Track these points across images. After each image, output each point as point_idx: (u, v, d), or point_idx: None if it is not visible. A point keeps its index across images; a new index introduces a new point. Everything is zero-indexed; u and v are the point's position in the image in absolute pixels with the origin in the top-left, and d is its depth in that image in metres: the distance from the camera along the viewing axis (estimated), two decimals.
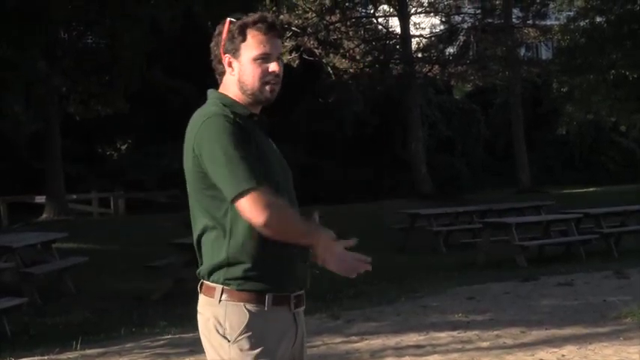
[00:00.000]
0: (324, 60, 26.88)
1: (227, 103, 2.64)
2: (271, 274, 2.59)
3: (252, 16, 2.66)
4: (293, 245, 2.56)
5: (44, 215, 19.56)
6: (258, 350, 2.56)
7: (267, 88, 2.64)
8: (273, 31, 2.64)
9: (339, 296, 9.58)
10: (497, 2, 27.69)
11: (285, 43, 25.39)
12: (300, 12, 25.53)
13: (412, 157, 26.67)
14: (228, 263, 2.58)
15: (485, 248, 12.81)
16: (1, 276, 10.00)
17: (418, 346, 6.69)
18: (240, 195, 2.47)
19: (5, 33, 16.54)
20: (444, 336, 7.03)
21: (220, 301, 2.59)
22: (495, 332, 7.07)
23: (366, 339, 7.05)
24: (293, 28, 25.37)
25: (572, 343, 6.55)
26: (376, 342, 6.94)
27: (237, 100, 2.66)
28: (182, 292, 8.99)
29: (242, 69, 2.64)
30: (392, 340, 6.94)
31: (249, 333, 2.57)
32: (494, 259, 12.49)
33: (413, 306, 8.74)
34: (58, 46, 19.32)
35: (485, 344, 6.68)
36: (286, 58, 25.62)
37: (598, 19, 26.73)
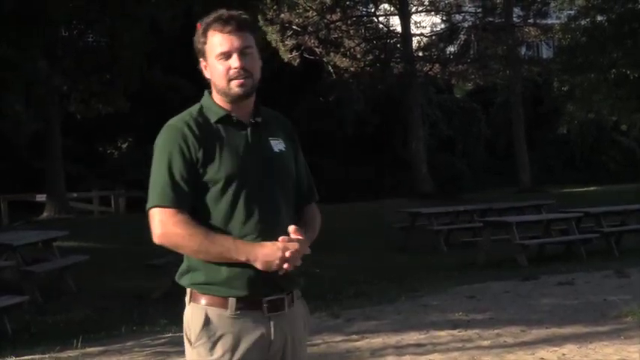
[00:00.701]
0: (324, 59, 26.87)
1: (205, 105, 2.71)
2: (238, 279, 2.57)
3: (211, 16, 2.67)
4: None
5: (45, 214, 19.57)
6: (214, 357, 2.58)
7: (234, 83, 2.63)
8: (230, 26, 2.62)
9: (340, 295, 9.59)
10: (498, 1, 27.69)
11: (286, 42, 25.43)
12: (301, 11, 25.53)
13: (413, 156, 26.67)
14: (192, 268, 2.64)
15: (486, 247, 12.81)
16: (2, 274, 10.01)
17: (418, 345, 6.70)
18: (149, 209, 2.63)
19: (4, 34, 16.54)
20: (444, 335, 7.04)
21: (189, 303, 2.66)
22: (496, 331, 7.08)
23: (367, 338, 7.05)
24: (294, 27, 25.37)
25: (572, 342, 6.55)
26: (376, 341, 6.94)
27: (217, 101, 2.69)
28: (182, 291, 8.98)
29: (211, 70, 2.67)
30: (392, 339, 6.95)
31: (209, 337, 2.59)
32: (495, 258, 12.50)
33: (413, 305, 8.75)
34: (58, 45, 19.31)
35: (485, 343, 6.69)
36: (287, 56, 25.66)
37: (599, 18, 26.72)
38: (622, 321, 7.34)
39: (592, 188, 28.28)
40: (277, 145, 2.73)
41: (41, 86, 18.76)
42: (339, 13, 26.53)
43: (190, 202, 2.59)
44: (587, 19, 27.09)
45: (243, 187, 2.59)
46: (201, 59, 2.71)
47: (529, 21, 28.52)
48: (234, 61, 2.62)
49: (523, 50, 31.81)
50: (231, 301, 2.59)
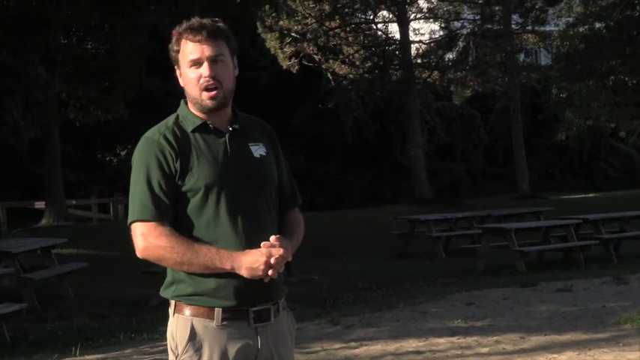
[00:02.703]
0: (323, 66, 26.90)
1: (181, 114, 2.69)
2: (224, 289, 2.56)
3: (184, 25, 2.65)
4: None
5: (44, 221, 19.55)
6: None
7: (205, 95, 2.61)
8: (201, 35, 2.59)
9: (338, 302, 9.58)
10: (497, 8, 27.72)
11: (285, 49, 25.44)
12: (300, 18, 25.54)
13: (412, 163, 26.67)
14: (177, 280, 2.62)
15: (485, 254, 12.81)
16: (1, 281, 9.99)
17: (417, 352, 6.69)
18: (130, 223, 2.60)
19: (4, 41, 16.57)
20: (443, 342, 7.03)
21: (173, 314, 2.65)
22: (495, 338, 7.07)
23: (365, 345, 7.05)
24: (293, 34, 25.39)
25: (571, 348, 6.55)
26: (375, 348, 6.93)
27: (192, 110, 2.67)
28: None
29: (184, 79, 2.66)
30: (391, 346, 6.94)
31: (195, 349, 2.57)
32: (494, 264, 12.49)
33: (412, 312, 8.74)
34: (57, 52, 19.33)
35: (484, 350, 6.68)
36: (286, 63, 25.68)
37: (597, 25, 26.78)
38: (621, 328, 7.33)
39: (591, 195, 28.31)
40: (257, 150, 2.69)
41: (40, 93, 18.76)
42: (337, 21, 26.55)
43: (171, 213, 2.58)
44: (586, 26, 27.14)
45: (224, 196, 2.57)
46: (176, 67, 2.69)
47: (527, 28, 28.55)
48: (205, 70, 2.59)
49: (522, 57, 31.88)
50: (217, 311, 2.57)
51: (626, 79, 25.84)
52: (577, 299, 9.12)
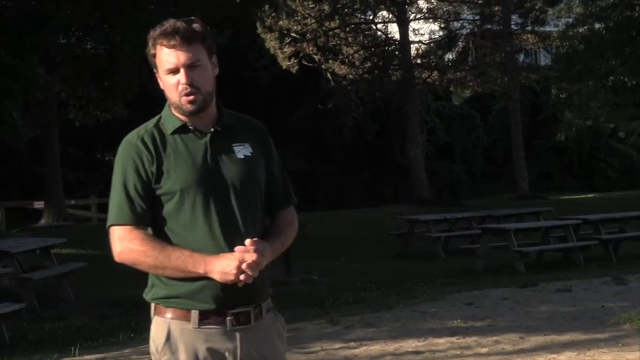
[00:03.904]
0: (323, 66, 26.89)
1: (164, 116, 2.66)
2: (201, 292, 2.53)
3: (157, 29, 2.59)
4: None
5: (43, 221, 19.54)
6: None
7: (184, 100, 2.56)
8: (174, 40, 2.54)
9: (338, 302, 9.58)
10: (497, 8, 27.72)
11: (285, 49, 25.43)
12: (300, 18, 25.53)
13: (411, 163, 26.66)
14: (155, 283, 2.63)
15: (484, 254, 12.81)
16: (0, 281, 9.99)
17: (417, 352, 6.69)
18: (108, 228, 2.62)
19: (4, 41, 16.56)
20: (442, 342, 7.03)
21: (154, 317, 2.64)
22: (494, 338, 7.07)
23: (365, 345, 7.05)
24: (292, 34, 25.39)
25: (570, 349, 6.55)
26: (375, 348, 6.93)
27: (174, 112, 2.63)
28: None
29: (163, 84, 2.62)
30: (390, 346, 6.94)
31: (171, 351, 2.56)
32: (493, 265, 12.50)
33: (411, 312, 8.74)
34: (57, 52, 19.33)
35: (483, 350, 6.68)
36: (286, 64, 25.67)
37: (597, 26, 26.78)
38: (620, 328, 7.33)
39: (590, 195, 28.31)
40: (242, 150, 2.63)
41: (40, 93, 18.76)
42: (337, 21, 26.53)
43: (148, 217, 2.56)
44: (585, 27, 27.15)
45: (201, 199, 2.53)
46: (155, 71, 2.65)
47: (527, 28, 28.54)
48: (182, 77, 2.54)
49: (521, 57, 31.85)
50: (194, 313, 2.54)
51: (626, 79, 25.85)
52: (576, 299, 9.12)
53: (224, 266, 2.46)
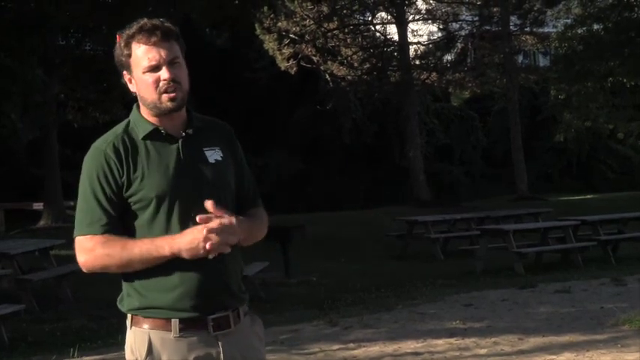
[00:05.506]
0: (321, 67, 26.87)
1: (133, 120, 2.60)
2: (179, 300, 2.48)
3: (133, 27, 2.56)
4: (195, 268, 2.46)
5: (42, 222, 19.53)
6: None
7: (165, 97, 2.51)
8: (155, 37, 2.52)
9: (337, 303, 9.58)
10: (495, 9, 27.73)
11: (283, 50, 25.42)
12: (298, 19, 25.52)
13: (410, 165, 26.66)
14: (130, 293, 2.56)
15: (483, 255, 12.81)
16: None
17: (416, 354, 6.69)
18: (74, 237, 2.54)
19: (3, 42, 16.56)
20: (441, 343, 7.03)
21: (131, 327, 2.57)
22: (493, 339, 7.07)
23: (364, 346, 7.05)
24: (291, 35, 25.39)
25: (569, 350, 6.55)
26: (373, 349, 6.94)
27: (144, 115, 2.58)
28: None
29: (138, 84, 2.56)
30: (389, 347, 6.94)
31: None
32: (492, 266, 12.50)
33: (410, 313, 8.74)
34: (55, 53, 19.33)
35: (482, 351, 6.68)
36: (284, 65, 25.66)
37: (596, 27, 26.78)
38: (619, 329, 7.34)
39: (589, 196, 28.31)
40: (213, 155, 2.59)
41: (38, 94, 18.75)
42: (336, 22, 26.53)
43: (116, 226, 2.49)
44: (584, 28, 27.14)
45: (176, 205, 2.48)
46: (124, 72, 2.61)
47: (526, 29, 28.54)
48: (164, 73, 2.50)
49: (520, 58, 31.84)
50: (174, 322, 2.49)
51: (625, 80, 25.86)
52: (575, 300, 9.13)
53: (190, 241, 2.40)
